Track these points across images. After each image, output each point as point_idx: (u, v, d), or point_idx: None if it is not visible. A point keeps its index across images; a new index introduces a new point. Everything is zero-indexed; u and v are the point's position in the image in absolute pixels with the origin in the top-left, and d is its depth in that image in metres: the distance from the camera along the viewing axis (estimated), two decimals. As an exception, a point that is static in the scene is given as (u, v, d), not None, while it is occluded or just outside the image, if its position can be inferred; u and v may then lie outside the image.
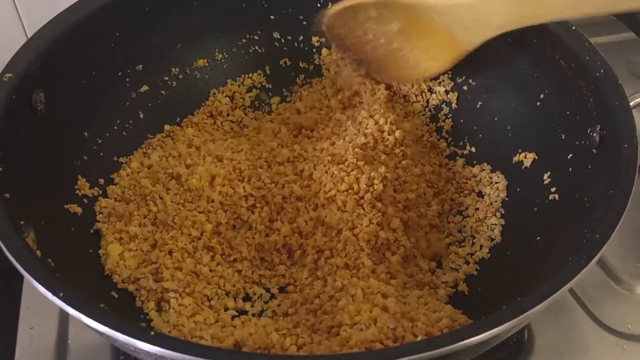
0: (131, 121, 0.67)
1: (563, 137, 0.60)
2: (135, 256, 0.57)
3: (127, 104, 0.67)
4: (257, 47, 0.76)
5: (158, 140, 0.69)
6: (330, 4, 0.74)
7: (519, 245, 0.60)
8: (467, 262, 0.61)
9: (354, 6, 0.59)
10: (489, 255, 0.62)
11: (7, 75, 0.54)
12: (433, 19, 0.54)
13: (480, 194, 0.67)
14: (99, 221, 0.59)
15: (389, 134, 0.65)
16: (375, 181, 0.60)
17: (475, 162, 0.69)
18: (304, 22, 0.75)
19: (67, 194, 0.58)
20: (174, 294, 0.55)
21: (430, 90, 0.73)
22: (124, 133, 0.66)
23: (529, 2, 0.50)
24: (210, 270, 0.59)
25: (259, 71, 0.76)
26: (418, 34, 0.56)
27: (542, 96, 0.63)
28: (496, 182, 0.66)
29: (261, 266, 0.61)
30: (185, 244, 0.59)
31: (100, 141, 0.64)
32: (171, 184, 0.63)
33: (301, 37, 0.75)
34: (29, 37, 0.61)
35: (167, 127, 0.70)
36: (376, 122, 0.65)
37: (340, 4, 0.61)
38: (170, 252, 0.58)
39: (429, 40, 0.56)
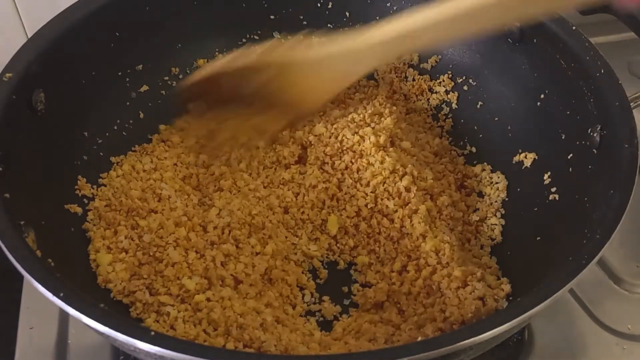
0: (131, 121, 0.67)
1: (563, 137, 0.60)
2: (126, 269, 0.55)
3: (127, 104, 0.67)
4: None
5: (154, 143, 0.67)
6: (330, 4, 0.74)
7: (519, 245, 0.60)
8: (467, 262, 0.61)
9: (217, 72, 0.57)
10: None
11: (7, 75, 0.54)
12: (303, 71, 0.54)
13: (481, 194, 0.67)
14: (88, 222, 0.58)
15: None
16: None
17: (475, 162, 0.69)
18: (304, 22, 0.75)
19: (67, 194, 0.58)
20: (172, 307, 0.53)
21: (431, 90, 0.74)
22: (124, 133, 0.66)
23: (393, 45, 0.50)
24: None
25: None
26: (289, 83, 0.55)
27: (542, 96, 0.63)
28: (496, 182, 0.66)
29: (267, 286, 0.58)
30: (179, 263, 0.56)
31: (100, 141, 0.63)
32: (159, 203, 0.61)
33: (301, 37, 0.75)
34: (29, 37, 0.61)
35: (162, 127, 0.69)
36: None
37: (203, 72, 0.59)
38: (161, 273, 0.55)
39: (302, 86, 0.55)
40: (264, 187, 0.64)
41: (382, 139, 0.64)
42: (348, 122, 0.66)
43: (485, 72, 0.70)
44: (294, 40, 0.55)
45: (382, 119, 0.67)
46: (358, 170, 0.63)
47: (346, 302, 0.59)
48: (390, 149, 0.64)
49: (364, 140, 0.64)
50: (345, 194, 0.63)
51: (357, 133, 0.65)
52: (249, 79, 0.55)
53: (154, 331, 0.40)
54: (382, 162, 0.62)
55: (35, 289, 0.42)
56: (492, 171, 0.67)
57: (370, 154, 0.63)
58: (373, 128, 0.65)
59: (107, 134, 0.64)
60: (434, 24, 0.46)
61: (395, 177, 0.62)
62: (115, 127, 0.66)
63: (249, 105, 0.58)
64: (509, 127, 0.67)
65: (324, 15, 0.75)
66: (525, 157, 0.64)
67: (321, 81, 0.53)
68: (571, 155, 0.59)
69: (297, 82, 0.53)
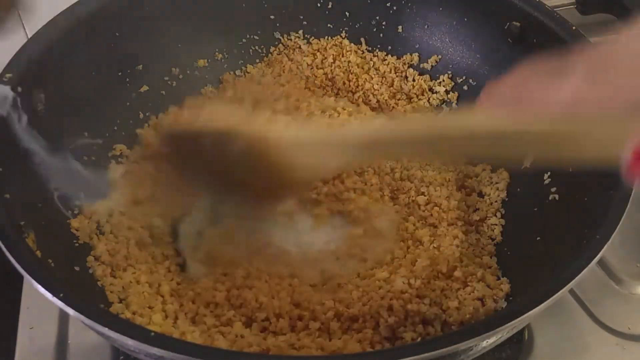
0: (131, 121, 0.67)
1: (563, 137, 0.60)
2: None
3: (127, 104, 0.67)
4: (257, 47, 0.76)
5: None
6: (330, 4, 0.75)
7: (519, 245, 0.60)
8: (467, 262, 0.61)
9: (192, 131, 0.52)
10: (489, 255, 0.62)
11: (7, 75, 0.54)
12: (274, 153, 0.48)
13: (481, 194, 0.67)
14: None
15: None
16: None
17: (475, 161, 0.69)
18: (304, 22, 0.75)
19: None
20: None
21: (431, 90, 0.74)
22: (123, 133, 0.66)
23: (376, 147, 0.45)
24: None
25: (259, 71, 0.76)
26: (259, 164, 0.49)
27: (542, 96, 0.63)
28: (496, 182, 0.66)
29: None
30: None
31: (100, 142, 0.63)
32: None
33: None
34: (29, 37, 0.61)
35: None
36: None
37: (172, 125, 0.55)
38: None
39: (270, 173, 0.50)
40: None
41: None
42: None
43: (485, 72, 0.70)
44: (268, 118, 0.49)
45: None
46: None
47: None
48: None
49: None
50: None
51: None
52: (223, 148, 0.49)
53: (154, 331, 0.40)
54: None
55: (35, 289, 0.42)
56: (492, 171, 0.67)
57: None
58: None
59: (107, 134, 0.64)
60: (409, 140, 0.41)
61: None
62: (115, 128, 0.66)
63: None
64: (509, 127, 0.67)
65: (324, 15, 0.76)
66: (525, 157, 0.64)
67: (290, 172, 0.48)
68: (571, 155, 0.59)
69: (266, 167, 0.48)
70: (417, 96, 0.74)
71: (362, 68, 0.75)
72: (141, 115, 0.68)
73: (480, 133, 0.37)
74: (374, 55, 0.76)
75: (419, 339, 0.52)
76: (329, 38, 0.76)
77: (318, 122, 0.48)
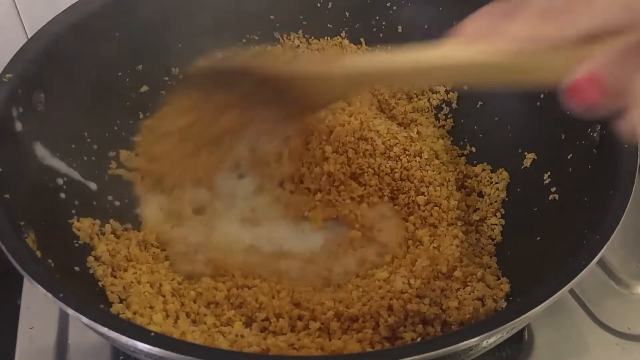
0: (131, 122, 0.67)
1: (563, 137, 0.60)
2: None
3: (127, 104, 0.67)
4: (257, 47, 0.76)
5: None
6: (330, 4, 0.75)
7: (519, 245, 0.60)
8: (467, 262, 0.61)
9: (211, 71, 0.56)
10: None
11: (7, 75, 0.54)
12: (280, 86, 0.53)
13: (481, 194, 0.67)
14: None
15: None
16: None
17: (475, 162, 0.69)
18: (304, 22, 0.75)
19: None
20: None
21: (431, 90, 0.74)
22: (123, 133, 0.66)
23: (368, 78, 0.49)
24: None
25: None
26: (268, 96, 0.54)
27: (542, 96, 0.63)
28: (496, 182, 0.66)
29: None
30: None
31: (100, 142, 0.63)
32: None
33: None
34: (29, 37, 0.61)
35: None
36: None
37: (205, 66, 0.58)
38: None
39: (280, 101, 0.54)
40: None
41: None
42: None
43: (485, 72, 0.70)
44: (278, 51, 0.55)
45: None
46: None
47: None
48: None
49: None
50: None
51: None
52: (234, 84, 0.54)
53: (154, 332, 0.40)
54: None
55: (35, 289, 0.42)
56: (492, 171, 0.68)
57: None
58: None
59: (107, 135, 0.64)
60: (415, 69, 0.45)
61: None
62: (116, 128, 0.66)
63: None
64: (509, 127, 0.67)
65: (324, 15, 0.76)
66: (525, 157, 0.64)
67: (296, 101, 0.53)
68: (571, 155, 0.59)
69: (275, 97, 0.53)
70: (417, 96, 0.74)
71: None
72: (141, 116, 0.68)
73: (453, 64, 0.41)
74: (374, 55, 0.76)
75: (419, 339, 0.52)
76: (329, 38, 0.76)
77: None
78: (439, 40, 0.41)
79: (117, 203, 0.62)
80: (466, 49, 0.39)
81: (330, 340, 0.52)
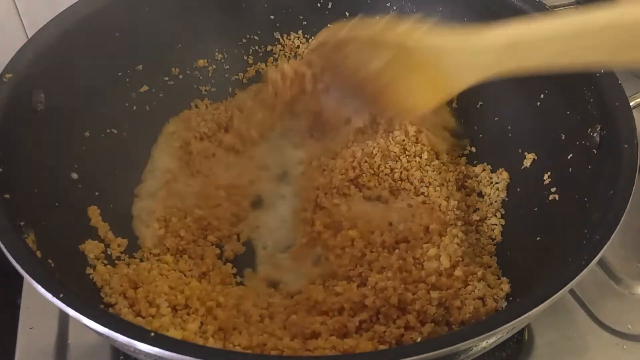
0: (131, 122, 0.67)
1: (563, 137, 0.60)
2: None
3: (127, 104, 0.67)
4: (257, 47, 0.76)
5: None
6: (330, 4, 0.74)
7: (519, 245, 0.60)
8: (468, 262, 0.61)
9: (339, 40, 0.55)
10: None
11: (7, 75, 0.54)
12: (419, 60, 0.50)
13: (481, 194, 0.67)
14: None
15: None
16: None
17: (475, 162, 0.69)
18: (304, 22, 0.75)
19: (68, 194, 0.58)
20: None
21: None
22: (123, 134, 0.66)
23: (517, 51, 0.45)
24: None
25: (259, 71, 0.76)
26: (404, 72, 0.51)
27: (542, 96, 0.63)
28: (496, 182, 0.66)
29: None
30: None
31: (100, 142, 0.63)
32: None
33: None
34: (29, 37, 0.61)
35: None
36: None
37: (323, 35, 0.58)
38: None
39: (415, 79, 0.52)
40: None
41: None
42: None
43: (485, 72, 0.70)
44: (412, 23, 0.50)
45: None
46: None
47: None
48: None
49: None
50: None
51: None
52: (370, 56, 0.52)
53: (154, 332, 0.40)
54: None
55: (35, 289, 0.42)
56: (492, 171, 0.67)
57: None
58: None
59: (107, 134, 0.64)
60: (579, 34, 0.39)
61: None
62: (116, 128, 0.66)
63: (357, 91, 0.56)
64: (509, 127, 0.67)
65: (324, 15, 0.76)
66: (525, 157, 0.64)
67: (433, 79, 0.49)
68: (571, 155, 0.59)
69: (411, 75, 0.50)
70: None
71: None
72: (141, 116, 0.68)
73: (620, 24, 0.36)
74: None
75: (419, 339, 0.52)
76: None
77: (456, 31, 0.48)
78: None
79: (117, 202, 0.62)
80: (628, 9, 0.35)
81: (343, 339, 0.52)
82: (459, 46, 0.46)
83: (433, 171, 0.67)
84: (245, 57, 0.76)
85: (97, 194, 0.61)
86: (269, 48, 0.76)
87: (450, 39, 0.47)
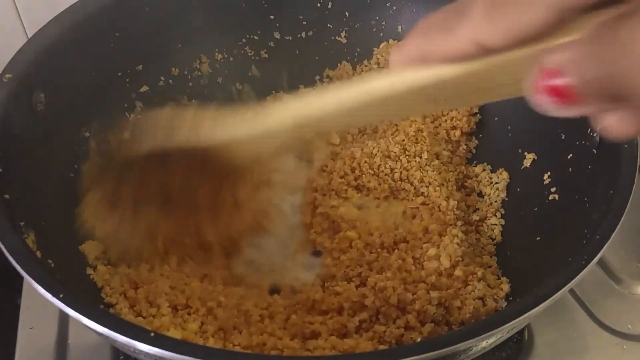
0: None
1: (563, 137, 0.60)
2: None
3: (127, 104, 0.67)
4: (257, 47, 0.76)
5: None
6: (330, 4, 0.74)
7: (519, 245, 0.60)
8: (467, 262, 0.61)
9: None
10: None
11: (7, 75, 0.54)
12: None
13: (481, 194, 0.67)
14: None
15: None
16: None
17: (475, 162, 0.69)
18: (304, 22, 0.75)
19: (68, 195, 0.58)
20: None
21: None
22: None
23: (308, 126, 0.41)
24: None
25: (259, 71, 0.76)
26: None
27: (542, 96, 0.63)
28: (496, 182, 0.66)
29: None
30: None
31: (100, 142, 0.63)
32: None
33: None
34: (29, 37, 0.61)
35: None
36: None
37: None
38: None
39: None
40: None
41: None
42: None
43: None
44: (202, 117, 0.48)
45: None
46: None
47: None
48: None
49: None
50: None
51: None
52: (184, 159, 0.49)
53: (154, 332, 0.40)
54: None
55: (35, 289, 0.42)
56: (492, 171, 0.67)
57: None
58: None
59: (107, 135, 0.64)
60: (344, 111, 0.38)
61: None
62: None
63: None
64: (509, 127, 0.67)
65: (324, 15, 0.75)
66: (525, 157, 0.64)
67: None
68: (571, 155, 0.59)
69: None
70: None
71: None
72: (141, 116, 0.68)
73: (396, 93, 0.35)
74: (374, 55, 0.76)
75: (419, 339, 0.52)
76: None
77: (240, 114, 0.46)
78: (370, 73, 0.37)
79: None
80: (400, 76, 0.34)
81: (342, 339, 0.52)
82: (247, 136, 0.44)
83: (433, 171, 0.67)
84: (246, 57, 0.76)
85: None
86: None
87: (235, 130, 0.45)
